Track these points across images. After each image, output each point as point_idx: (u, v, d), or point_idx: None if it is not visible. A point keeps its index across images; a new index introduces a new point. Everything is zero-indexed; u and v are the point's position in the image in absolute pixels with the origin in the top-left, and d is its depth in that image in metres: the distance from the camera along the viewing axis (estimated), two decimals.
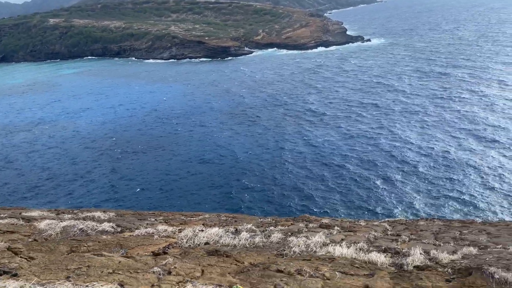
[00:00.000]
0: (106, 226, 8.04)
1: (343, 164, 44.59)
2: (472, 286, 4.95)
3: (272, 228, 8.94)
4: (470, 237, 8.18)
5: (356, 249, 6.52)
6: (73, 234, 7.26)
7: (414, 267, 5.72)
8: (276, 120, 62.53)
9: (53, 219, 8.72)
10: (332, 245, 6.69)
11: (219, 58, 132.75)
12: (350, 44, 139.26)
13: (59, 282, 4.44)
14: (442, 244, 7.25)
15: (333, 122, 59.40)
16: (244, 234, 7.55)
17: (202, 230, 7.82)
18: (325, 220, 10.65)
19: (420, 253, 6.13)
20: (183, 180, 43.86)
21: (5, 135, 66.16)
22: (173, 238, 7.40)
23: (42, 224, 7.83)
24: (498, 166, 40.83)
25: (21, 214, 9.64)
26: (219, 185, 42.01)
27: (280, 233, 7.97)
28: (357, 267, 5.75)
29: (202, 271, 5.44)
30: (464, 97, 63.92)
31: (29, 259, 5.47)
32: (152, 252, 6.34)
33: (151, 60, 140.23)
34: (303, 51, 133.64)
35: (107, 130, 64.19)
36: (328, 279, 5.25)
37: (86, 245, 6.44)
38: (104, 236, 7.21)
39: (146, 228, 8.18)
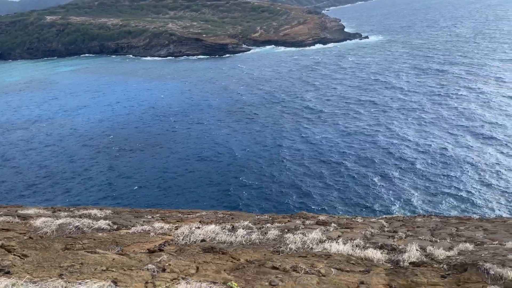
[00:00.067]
0: (102, 223, 7.99)
1: (341, 161, 44.62)
2: (467, 282, 4.94)
3: (269, 225, 8.91)
4: (466, 234, 8.18)
5: (352, 245, 6.50)
6: (69, 232, 7.21)
7: (410, 263, 5.71)
8: (274, 117, 62.49)
9: (49, 217, 8.66)
10: (328, 242, 6.68)
11: (217, 56, 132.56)
12: (348, 41, 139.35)
13: (52, 279, 4.40)
14: (438, 241, 7.24)
15: (330, 119, 59.40)
16: (241, 231, 7.52)
17: (199, 227, 7.79)
18: (322, 217, 10.62)
19: (416, 250, 6.12)
20: (180, 178, 43.82)
21: (2, 133, 65.96)
22: (169, 235, 7.36)
23: (37, 222, 7.78)
24: (495, 163, 40.94)
25: (17, 212, 9.57)
26: (217, 183, 41.99)
27: (277, 230, 7.95)
28: (353, 263, 5.73)
29: (197, 268, 5.41)
30: (461, 94, 64.01)
31: (22, 257, 5.43)
32: (147, 249, 6.31)
33: (148, 58, 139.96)
34: (301, 48, 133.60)
35: (104, 127, 64.04)
36: (324, 276, 5.23)
37: (81, 243, 6.40)
38: (100, 234, 7.17)
39: (142, 225, 8.14)
